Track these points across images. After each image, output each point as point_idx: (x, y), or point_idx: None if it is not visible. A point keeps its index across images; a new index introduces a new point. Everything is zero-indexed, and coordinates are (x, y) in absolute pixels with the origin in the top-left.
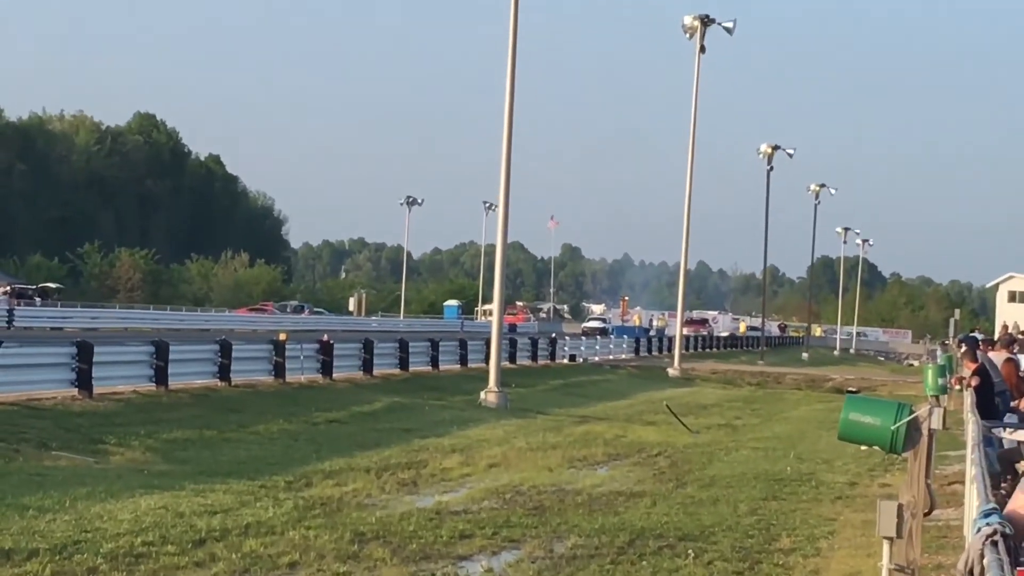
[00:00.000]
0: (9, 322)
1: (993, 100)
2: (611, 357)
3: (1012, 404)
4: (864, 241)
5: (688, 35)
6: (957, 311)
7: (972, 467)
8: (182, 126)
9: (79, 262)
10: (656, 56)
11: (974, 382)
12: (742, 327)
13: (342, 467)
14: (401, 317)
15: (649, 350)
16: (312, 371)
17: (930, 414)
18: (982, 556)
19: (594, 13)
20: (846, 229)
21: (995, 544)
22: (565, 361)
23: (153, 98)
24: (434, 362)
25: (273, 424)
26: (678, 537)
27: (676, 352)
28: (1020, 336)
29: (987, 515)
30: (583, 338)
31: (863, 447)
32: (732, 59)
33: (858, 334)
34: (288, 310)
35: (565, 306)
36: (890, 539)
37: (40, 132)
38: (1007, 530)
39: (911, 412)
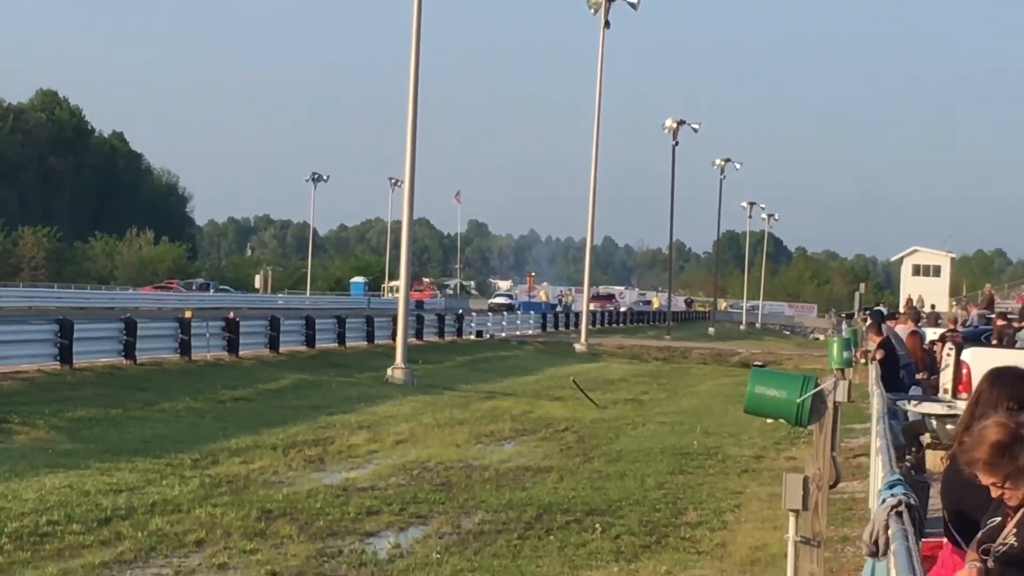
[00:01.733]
0: None
1: (897, 73)
2: (518, 333)
3: (917, 377)
4: (769, 216)
5: (593, 10)
6: (862, 285)
7: (877, 439)
8: (85, 103)
9: None
10: (561, 30)
11: (879, 355)
12: (655, 302)
13: (249, 445)
14: (307, 294)
15: (556, 326)
16: (218, 349)
17: (835, 387)
18: (887, 527)
19: None
20: (751, 204)
21: (899, 515)
22: (472, 337)
23: (56, 75)
24: (341, 339)
25: (179, 402)
26: (585, 512)
27: (583, 327)
28: (928, 309)
29: (892, 486)
30: (490, 314)
31: (769, 420)
32: (638, 33)
33: (763, 309)
34: (194, 288)
35: (472, 282)
36: (796, 512)
37: None
38: (912, 501)
39: (816, 385)
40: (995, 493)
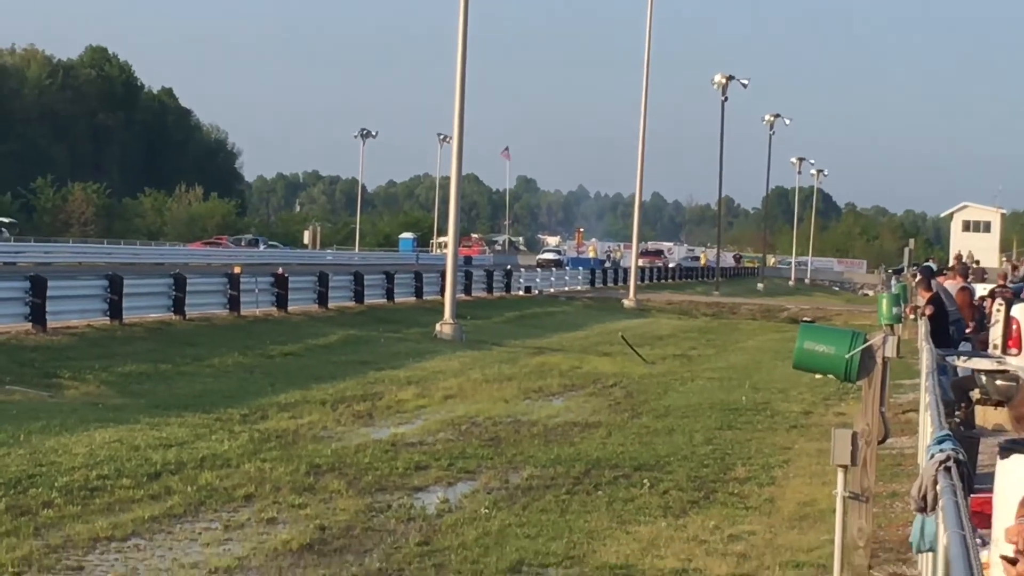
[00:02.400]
0: None
1: (948, 29)
2: (566, 289)
3: (966, 332)
4: (819, 171)
5: None
6: (912, 241)
7: (926, 395)
8: (135, 59)
9: (31, 197)
10: None
11: (928, 311)
12: (703, 258)
13: (297, 400)
14: (356, 250)
15: (604, 282)
16: (267, 304)
17: (884, 342)
18: (935, 482)
19: None
20: (801, 159)
21: (948, 470)
22: (521, 293)
23: (105, 31)
24: (389, 295)
25: (228, 357)
26: (634, 467)
27: (631, 283)
28: (974, 265)
29: (940, 441)
30: (538, 270)
31: (818, 376)
32: None
33: (812, 265)
34: (243, 244)
35: (520, 238)
36: (844, 467)
37: None
38: (960, 456)
39: (865, 341)
40: None
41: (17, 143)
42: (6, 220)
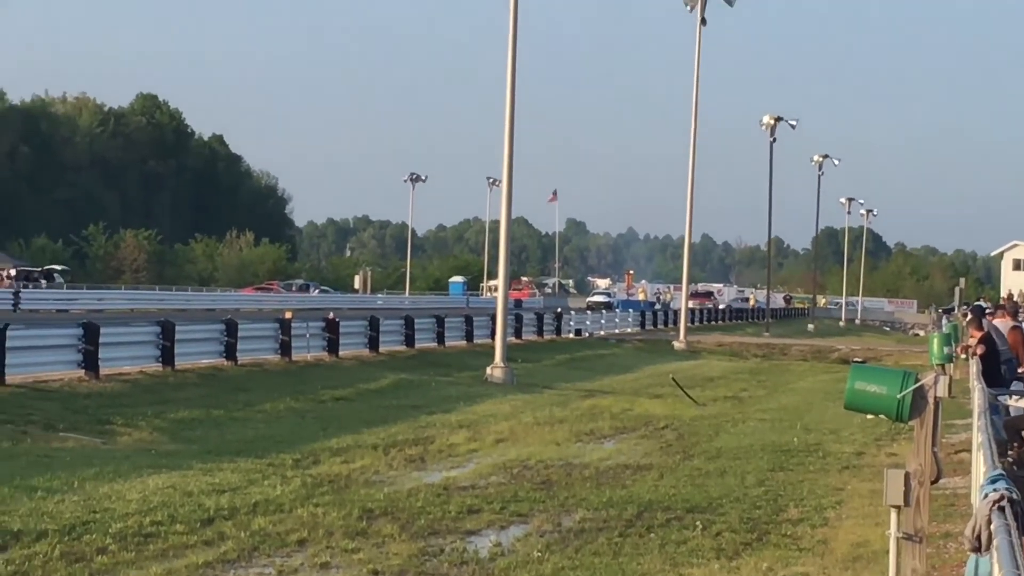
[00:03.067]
0: (15, 305)
1: (996, 69)
2: (617, 331)
3: (1018, 371)
4: (868, 212)
5: (689, 7)
6: (962, 280)
7: (978, 434)
8: (185, 106)
9: (84, 244)
10: (657, 29)
11: (980, 350)
12: (751, 299)
13: (349, 444)
14: (406, 294)
15: (654, 323)
16: (318, 349)
17: (936, 382)
18: (989, 521)
19: None
20: (850, 200)
21: (1002, 509)
22: (571, 336)
23: (155, 79)
24: (440, 338)
25: (280, 402)
26: (686, 509)
27: (682, 325)
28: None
29: (994, 481)
30: (588, 312)
31: (869, 416)
32: (733, 30)
33: (863, 305)
34: (294, 288)
35: (570, 281)
36: (897, 507)
37: (43, 115)
38: (1014, 495)
39: (917, 380)
40: None
41: (69, 191)
42: (59, 267)
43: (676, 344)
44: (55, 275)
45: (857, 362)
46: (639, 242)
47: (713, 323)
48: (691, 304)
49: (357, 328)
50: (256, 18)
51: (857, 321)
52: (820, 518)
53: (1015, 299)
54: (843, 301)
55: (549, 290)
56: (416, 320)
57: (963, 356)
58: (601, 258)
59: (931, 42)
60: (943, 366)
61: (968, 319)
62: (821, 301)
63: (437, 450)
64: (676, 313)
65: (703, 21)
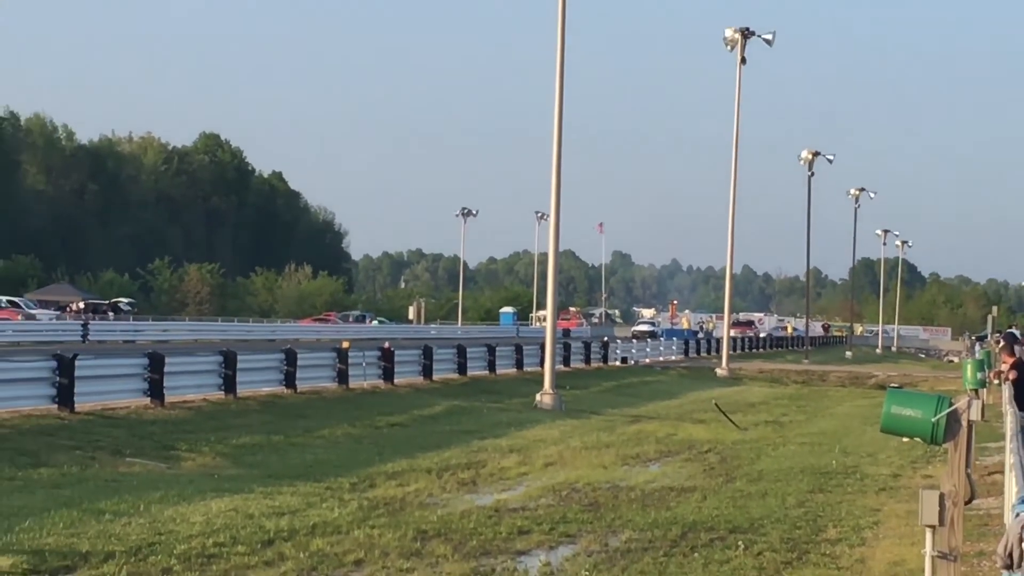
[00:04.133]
0: (84, 336)
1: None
2: (661, 359)
3: None
4: (903, 243)
5: (729, 47)
6: (995, 308)
7: (1011, 456)
8: (245, 144)
9: (149, 277)
10: (700, 65)
11: (1012, 375)
12: (788, 328)
13: (404, 468)
14: (459, 324)
15: (698, 351)
16: (374, 377)
17: (969, 406)
18: (1021, 540)
19: (640, 24)
20: (886, 231)
21: None
22: (617, 363)
23: (217, 118)
24: (491, 366)
25: (337, 428)
26: (728, 529)
27: (724, 352)
28: None
29: None
30: (634, 341)
31: (905, 439)
32: (773, 67)
33: (899, 333)
34: (351, 319)
35: (616, 311)
36: (932, 527)
37: (110, 153)
38: None
39: (951, 404)
40: None
41: (135, 226)
42: (125, 300)
43: (718, 371)
44: (122, 307)
45: (894, 387)
46: (683, 273)
47: (754, 351)
48: (733, 332)
49: (411, 357)
50: (313, 58)
51: (893, 349)
52: (858, 538)
53: None
54: (880, 329)
55: (596, 320)
56: (468, 349)
57: (996, 382)
58: (646, 288)
59: (963, 75)
60: (976, 391)
61: (1000, 346)
62: (858, 329)
63: (489, 473)
64: (718, 341)
65: (743, 60)
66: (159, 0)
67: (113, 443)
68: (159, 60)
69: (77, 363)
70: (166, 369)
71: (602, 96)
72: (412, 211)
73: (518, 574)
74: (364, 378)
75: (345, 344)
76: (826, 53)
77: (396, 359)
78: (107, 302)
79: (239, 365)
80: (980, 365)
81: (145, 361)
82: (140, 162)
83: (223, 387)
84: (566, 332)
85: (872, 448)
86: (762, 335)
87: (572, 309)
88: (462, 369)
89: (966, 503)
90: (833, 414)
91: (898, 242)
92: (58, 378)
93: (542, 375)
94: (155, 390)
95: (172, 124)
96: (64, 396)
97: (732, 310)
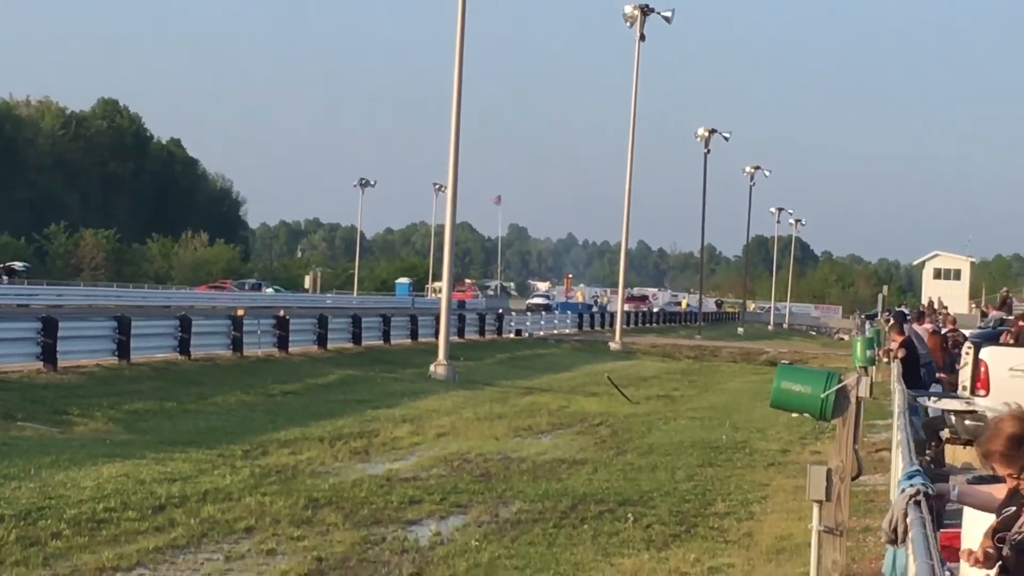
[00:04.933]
0: None
1: (918, 86)
2: (556, 332)
3: (937, 375)
4: (797, 221)
5: (628, 23)
6: (885, 288)
7: (898, 433)
8: (144, 111)
9: (45, 242)
10: (598, 40)
11: (900, 354)
12: (683, 304)
13: (297, 436)
14: (355, 294)
15: (592, 325)
16: (269, 345)
17: (858, 383)
18: (906, 515)
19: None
20: (780, 209)
21: (918, 504)
22: (512, 336)
23: (116, 83)
24: (386, 336)
25: (231, 396)
26: (618, 502)
27: (618, 327)
28: (943, 311)
29: (911, 476)
30: (528, 314)
31: (794, 415)
32: (671, 44)
33: (791, 310)
34: (246, 288)
35: (512, 283)
36: (819, 502)
37: (7, 117)
38: (930, 491)
39: (840, 381)
40: (1010, 484)
41: (31, 191)
42: (20, 264)
43: (612, 345)
44: (16, 269)
45: (784, 364)
46: (578, 247)
47: (648, 325)
48: (627, 307)
49: (306, 326)
50: (212, 27)
51: (785, 326)
52: (746, 512)
53: (935, 306)
54: (772, 306)
55: (491, 292)
56: (363, 319)
57: (885, 360)
58: (542, 262)
59: (859, 59)
60: (865, 368)
61: (890, 324)
62: (751, 306)
63: (381, 443)
64: (612, 315)
65: (642, 37)
66: None
67: (4, 407)
68: (58, 23)
69: None
70: (60, 333)
71: (500, 69)
72: (310, 180)
73: (408, 543)
74: (259, 346)
75: (240, 312)
76: (725, 31)
77: (291, 328)
78: (1, 265)
79: (133, 331)
80: (869, 343)
81: (39, 325)
82: (38, 126)
83: (117, 353)
84: (461, 304)
85: (762, 423)
86: (656, 310)
87: (468, 281)
88: (357, 339)
89: (853, 479)
90: (724, 389)
91: (792, 220)
92: None
93: (437, 346)
94: (48, 354)
95: (71, 89)
96: None
97: (626, 285)
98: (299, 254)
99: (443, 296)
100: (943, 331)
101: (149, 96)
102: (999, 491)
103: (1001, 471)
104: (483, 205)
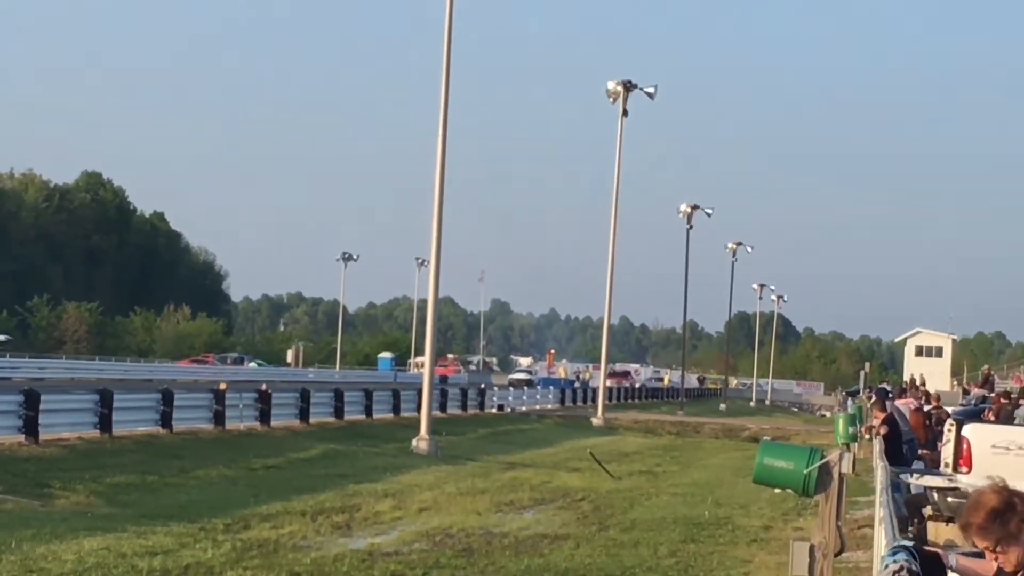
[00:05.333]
0: None
1: (903, 160)
2: (537, 407)
3: (919, 452)
4: (779, 297)
5: (612, 100)
6: (867, 364)
7: (881, 509)
8: (128, 184)
9: (28, 315)
10: (581, 116)
11: (883, 430)
12: (665, 380)
13: (279, 511)
14: (337, 368)
15: (574, 400)
16: (251, 419)
17: (840, 459)
18: None
19: (523, 75)
20: (762, 286)
21: None
22: (494, 411)
23: (100, 157)
24: (368, 411)
25: (213, 469)
26: None
27: (600, 402)
28: (921, 388)
29: (894, 552)
30: (511, 389)
31: (777, 490)
32: (654, 120)
33: (773, 386)
34: (228, 362)
35: (494, 359)
36: None
37: None
38: (913, 567)
39: (823, 457)
40: (988, 559)
41: (14, 263)
42: (2, 337)
43: (594, 420)
44: None
45: (767, 440)
46: (560, 322)
47: (630, 401)
48: (609, 383)
49: (289, 400)
50: (192, 99)
51: (767, 402)
52: None
53: (916, 384)
54: (754, 382)
55: (473, 367)
56: (346, 393)
57: (867, 436)
58: (524, 337)
59: (838, 134)
60: (848, 445)
61: (872, 401)
62: (733, 382)
63: (363, 518)
64: (595, 391)
65: (624, 113)
66: (44, 37)
67: None
68: (42, 97)
69: None
70: (41, 406)
71: (485, 144)
72: (292, 254)
73: None
74: (241, 420)
75: (222, 386)
76: (707, 107)
77: (273, 401)
78: None
79: (115, 404)
80: (852, 419)
81: (20, 398)
82: (21, 199)
83: (99, 426)
84: (443, 379)
85: (744, 500)
86: (638, 386)
87: (450, 356)
88: (339, 413)
89: (836, 555)
90: (706, 465)
91: (774, 296)
92: None
93: (419, 420)
94: (30, 427)
95: (54, 162)
96: None
97: (609, 360)
98: (281, 328)
99: (425, 371)
100: (927, 408)
101: (133, 169)
102: (985, 568)
103: (979, 544)
104: (466, 280)
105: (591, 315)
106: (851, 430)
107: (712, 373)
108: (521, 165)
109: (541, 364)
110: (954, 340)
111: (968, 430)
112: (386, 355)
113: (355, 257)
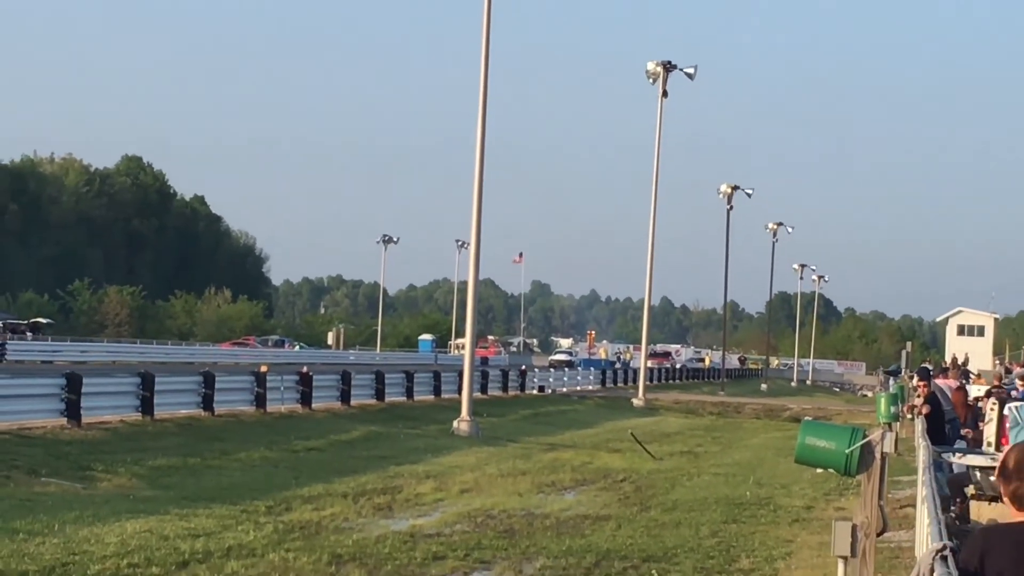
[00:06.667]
0: (1, 355)
1: (944, 141)
2: (578, 388)
3: (961, 431)
4: (820, 277)
5: (652, 80)
6: (909, 344)
7: (923, 489)
8: (168, 168)
9: (69, 299)
10: (621, 96)
11: (925, 410)
12: (706, 360)
13: (320, 492)
14: (378, 350)
15: (615, 381)
16: (292, 401)
17: (882, 438)
18: (932, 570)
19: (562, 57)
20: (803, 266)
21: (944, 559)
22: (534, 392)
23: (140, 141)
24: (409, 393)
25: (254, 452)
26: (642, 558)
27: (640, 383)
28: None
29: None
30: (551, 370)
31: (819, 470)
32: (694, 99)
33: (814, 366)
34: (269, 344)
35: (535, 340)
36: (844, 558)
37: (32, 174)
38: (955, 546)
39: (864, 436)
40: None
41: (56, 248)
42: (44, 320)
43: (635, 401)
44: (41, 325)
45: (808, 420)
46: (601, 304)
47: (671, 382)
48: (650, 363)
49: (330, 382)
50: (238, 86)
51: (808, 382)
52: (771, 568)
53: (958, 363)
54: (795, 363)
55: (514, 348)
56: (386, 375)
57: (909, 416)
58: (564, 318)
59: (881, 115)
60: (890, 424)
61: (915, 380)
62: (774, 362)
63: (404, 499)
64: (635, 372)
65: (664, 93)
66: (85, 26)
67: (29, 463)
68: (83, 82)
69: None
70: (84, 390)
71: (524, 126)
72: (333, 237)
73: None
74: (282, 402)
75: (263, 368)
76: (747, 86)
77: (314, 384)
78: (26, 322)
79: (157, 387)
80: (894, 399)
81: (63, 381)
82: (61, 183)
83: (140, 409)
84: (484, 360)
85: (786, 479)
86: (679, 366)
87: (491, 338)
88: (380, 395)
89: (878, 535)
90: (748, 445)
91: (814, 277)
92: None
93: (459, 402)
94: (72, 410)
95: (95, 146)
96: None
97: (649, 341)
98: (322, 311)
99: (466, 352)
100: (989, 388)
101: (173, 153)
102: None
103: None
104: (506, 262)
105: (631, 296)
106: (893, 409)
107: (753, 353)
108: (562, 146)
109: (582, 345)
110: (996, 319)
111: (1010, 409)
112: (426, 337)
113: (395, 239)
